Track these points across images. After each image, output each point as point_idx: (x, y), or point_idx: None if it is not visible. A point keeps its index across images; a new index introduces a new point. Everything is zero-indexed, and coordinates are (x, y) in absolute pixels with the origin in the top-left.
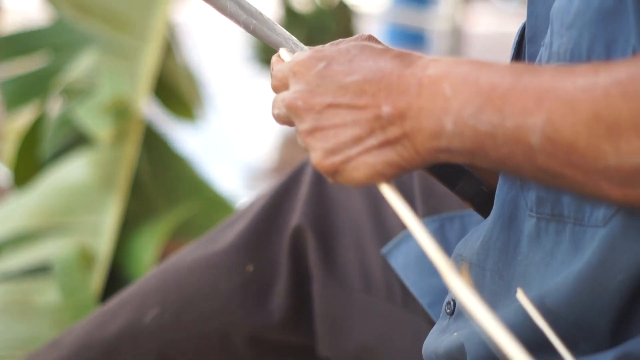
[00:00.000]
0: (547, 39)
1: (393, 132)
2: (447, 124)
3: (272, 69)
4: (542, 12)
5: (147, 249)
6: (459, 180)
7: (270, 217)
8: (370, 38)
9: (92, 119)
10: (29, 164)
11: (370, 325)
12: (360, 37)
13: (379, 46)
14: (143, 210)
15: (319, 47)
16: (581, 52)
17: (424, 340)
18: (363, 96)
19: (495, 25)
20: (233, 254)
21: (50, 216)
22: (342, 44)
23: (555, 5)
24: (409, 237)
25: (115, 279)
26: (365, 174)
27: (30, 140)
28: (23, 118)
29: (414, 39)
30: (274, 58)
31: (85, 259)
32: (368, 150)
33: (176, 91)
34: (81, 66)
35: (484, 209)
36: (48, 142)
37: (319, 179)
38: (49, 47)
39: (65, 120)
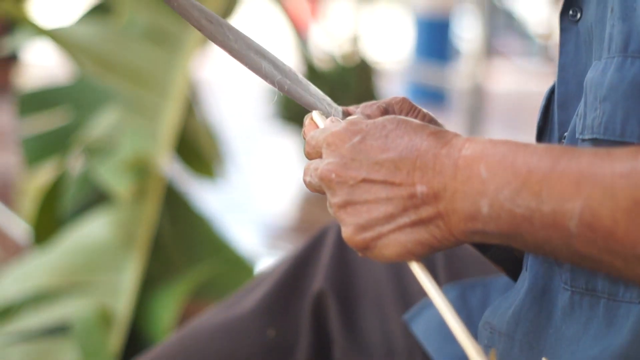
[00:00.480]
0: (580, 110)
1: (427, 212)
2: (483, 207)
3: (305, 133)
4: (573, 79)
5: (166, 309)
6: (491, 245)
7: (292, 281)
8: (404, 101)
9: (113, 177)
10: (49, 221)
11: None
12: (394, 99)
13: (415, 122)
14: (163, 270)
15: (354, 118)
16: (615, 126)
17: None
18: (398, 173)
19: (516, 83)
20: (255, 319)
21: (70, 275)
22: (380, 118)
23: (589, 76)
24: (432, 303)
25: (135, 339)
26: (396, 251)
27: (51, 197)
28: (44, 175)
29: (434, 96)
30: (306, 120)
31: (105, 318)
32: (400, 228)
33: (197, 149)
34: (102, 124)
35: (515, 274)
36: (69, 200)
37: (341, 244)
38: (70, 104)
39: (86, 178)
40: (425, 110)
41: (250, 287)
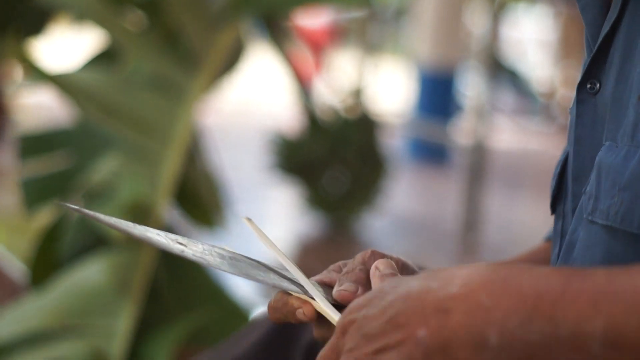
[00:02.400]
0: (591, 189)
1: (436, 357)
2: (491, 337)
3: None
4: (588, 153)
5: (161, 354)
6: None
7: (284, 329)
8: (373, 253)
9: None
10: (47, 263)
11: None
12: (363, 255)
13: (413, 276)
14: (158, 316)
15: (356, 300)
16: (633, 218)
17: None
18: (399, 330)
19: (518, 141)
20: None
21: (65, 318)
22: (380, 284)
23: (605, 158)
24: None
25: None
26: None
27: (49, 240)
28: (42, 217)
29: (435, 152)
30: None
31: None
32: None
33: (197, 197)
34: (103, 169)
35: None
36: (66, 243)
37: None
38: (72, 148)
39: (85, 222)
40: (396, 256)
41: (242, 334)
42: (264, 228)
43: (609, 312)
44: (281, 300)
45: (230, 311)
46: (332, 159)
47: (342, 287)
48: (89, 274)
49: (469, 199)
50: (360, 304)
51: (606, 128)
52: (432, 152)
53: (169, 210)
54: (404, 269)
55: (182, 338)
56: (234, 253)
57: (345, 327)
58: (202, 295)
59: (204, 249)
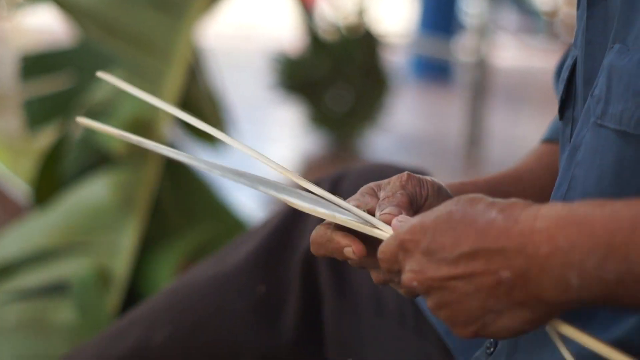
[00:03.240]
0: (600, 92)
1: (519, 295)
2: (572, 279)
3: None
4: (599, 56)
5: (164, 270)
6: None
7: (282, 237)
8: (410, 177)
9: (112, 138)
10: (50, 183)
11: (381, 350)
12: (399, 179)
13: (481, 202)
14: (162, 232)
15: (418, 221)
16: None
17: None
18: (477, 262)
19: (521, 59)
20: (244, 274)
21: (69, 235)
22: (443, 207)
23: (616, 61)
24: None
25: (132, 299)
26: (509, 334)
27: (52, 159)
28: (45, 137)
29: (439, 69)
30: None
31: (103, 278)
32: (501, 315)
33: (199, 115)
34: (104, 87)
35: None
36: (69, 162)
37: None
38: (73, 68)
39: (87, 141)
40: (431, 179)
41: (240, 241)
42: (268, 147)
43: None
44: (325, 236)
45: (234, 227)
46: (335, 76)
47: (386, 211)
48: (93, 191)
49: (472, 115)
50: (426, 225)
51: (614, 29)
52: (435, 70)
53: (171, 128)
54: (439, 193)
55: (186, 253)
56: (240, 170)
57: (406, 245)
58: (205, 211)
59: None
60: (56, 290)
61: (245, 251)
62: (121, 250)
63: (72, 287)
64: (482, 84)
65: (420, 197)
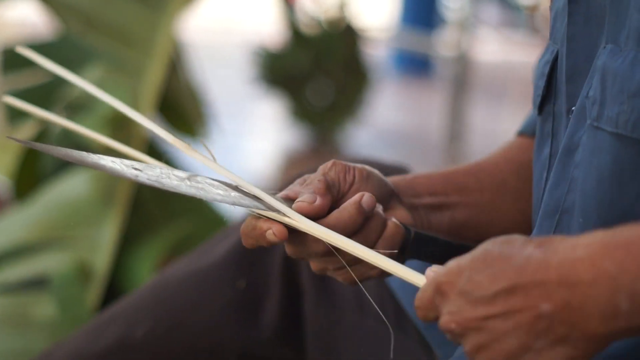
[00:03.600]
0: (595, 94)
1: (560, 329)
2: (622, 303)
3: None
4: (582, 52)
5: (144, 265)
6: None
7: None
8: (335, 164)
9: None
10: (30, 177)
11: (361, 346)
12: (324, 168)
13: (517, 240)
14: (142, 226)
15: (455, 263)
16: None
17: None
18: (515, 299)
19: (502, 53)
20: (224, 269)
21: (49, 230)
22: (480, 248)
23: (610, 62)
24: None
25: (113, 294)
26: None
27: (32, 153)
28: (26, 131)
29: (419, 64)
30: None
31: (83, 273)
32: (540, 354)
33: (179, 109)
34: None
35: None
36: (50, 156)
37: None
38: (54, 61)
39: (68, 134)
40: (360, 165)
41: (221, 237)
42: (248, 141)
43: None
44: (250, 225)
45: (214, 221)
46: (316, 71)
47: (301, 199)
48: (73, 185)
49: (453, 109)
50: (462, 266)
51: (606, 29)
52: (416, 64)
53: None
54: (368, 179)
55: (166, 248)
56: (193, 174)
57: (443, 289)
58: (185, 206)
59: (161, 173)
60: (36, 285)
61: (226, 247)
62: (101, 245)
63: (52, 282)
64: (463, 78)
65: (344, 183)
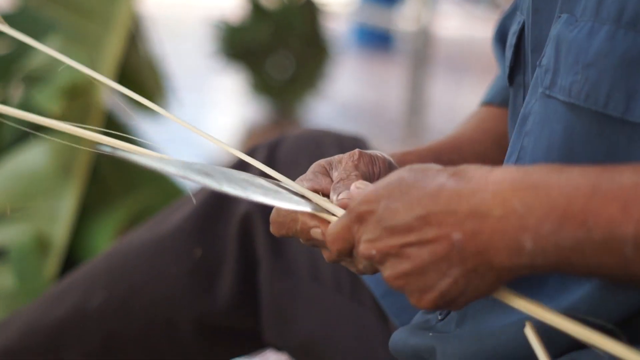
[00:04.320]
0: (548, 62)
1: (472, 259)
2: (526, 243)
3: (325, 235)
4: (546, 25)
5: (103, 236)
6: None
7: (218, 201)
8: (361, 155)
9: (49, 103)
10: None
11: (316, 315)
12: (350, 157)
13: (432, 168)
14: (100, 198)
15: (372, 191)
16: (599, 97)
17: (370, 333)
18: (429, 228)
19: (463, 28)
20: (180, 238)
21: (7, 201)
22: (395, 174)
23: (565, 33)
24: None
25: (71, 265)
26: (465, 302)
27: None
28: None
29: (380, 38)
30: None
31: (41, 244)
32: (457, 282)
33: (139, 82)
34: (43, 53)
35: None
36: (7, 129)
37: (269, 164)
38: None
39: (26, 106)
40: (381, 154)
41: (177, 206)
42: (209, 114)
43: (639, 217)
44: (289, 216)
45: (173, 194)
46: (276, 44)
47: (342, 196)
48: (31, 157)
49: (414, 83)
50: (379, 194)
51: (561, 2)
52: (377, 38)
53: (110, 95)
54: (390, 169)
55: (124, 220)
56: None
57: (362, 216)
58: (145, 178)
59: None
60: None
61: (182, 215)
62: (60, 216)
63: (10, 253)
64: (424, 53)
65: (373, 175)
